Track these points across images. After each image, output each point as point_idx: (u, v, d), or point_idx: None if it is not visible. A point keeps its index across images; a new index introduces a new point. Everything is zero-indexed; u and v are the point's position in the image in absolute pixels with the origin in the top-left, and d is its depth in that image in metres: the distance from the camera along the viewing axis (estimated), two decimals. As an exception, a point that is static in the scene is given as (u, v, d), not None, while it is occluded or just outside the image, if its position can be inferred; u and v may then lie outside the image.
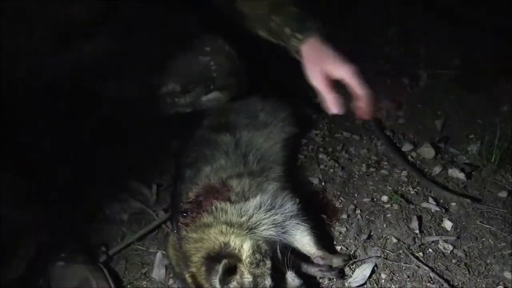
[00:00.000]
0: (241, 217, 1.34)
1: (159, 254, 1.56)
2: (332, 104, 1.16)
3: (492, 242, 1.55)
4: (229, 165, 1.52)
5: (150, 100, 1.51)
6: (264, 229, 1.35)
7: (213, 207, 1.36)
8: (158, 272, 1.52)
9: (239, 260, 1.25)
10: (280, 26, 1.24)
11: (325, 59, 1.14)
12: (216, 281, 1.22)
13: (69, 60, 1.35)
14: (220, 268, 1.21)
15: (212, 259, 1.26)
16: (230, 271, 1.24)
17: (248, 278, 1.24)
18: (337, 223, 1.63)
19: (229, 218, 1.33)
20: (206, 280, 1.27)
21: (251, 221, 1.34)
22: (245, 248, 1.27)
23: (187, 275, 1.33)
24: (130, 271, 1.54)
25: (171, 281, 1.50)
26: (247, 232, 1.32)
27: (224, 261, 1.22)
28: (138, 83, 1.42)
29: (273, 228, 1.36)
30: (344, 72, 1.12)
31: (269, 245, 1.33)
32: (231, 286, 1.24)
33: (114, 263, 1.56)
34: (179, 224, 1.38)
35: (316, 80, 1.16)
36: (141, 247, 1.60)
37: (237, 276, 1.25)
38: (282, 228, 1.39)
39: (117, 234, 1.64)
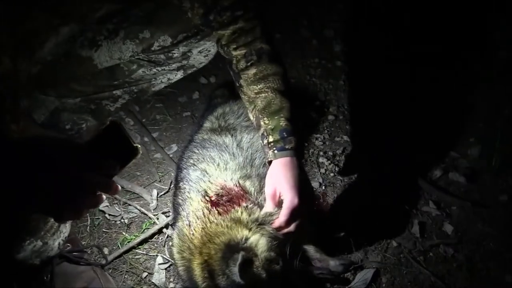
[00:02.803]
0: (266, 218, 1.37)
1: (159, 259, 1.56)
2: (268, 208, 1.39)
3: (493, 246, 1.55)
4: (237, 165, 1.53)
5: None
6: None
7: (250, 206, 1.40)
8: (158, 277, 1.52)
9: (255, 255, 1.29)
10: (266, 130, 1.41)
11: (282, 181, 1.36)
12: (234, 269, 1.25)
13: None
14: (239, 257, 1.24)
15: (231, 248, 1.29)
16: (247, 263, 1.27)
17: (262, 273, 1.27)
18: (337, 227, 1.62)
19: (262, 219, 1.37)
20: (220, 268, 1.29)
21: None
22: (262, 245, 1.31)
23: (196, 263, 1.34)
24: (130, 275, 1.53)
25: (171, 285, 1.50)
26: (268, 232, 1.35)
27: (242, 252, 1.26)
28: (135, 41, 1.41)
29: (290, 235, 1.38)
30: (285, 201, 1.34)
31: (281, 247, 1.35)
32: (250, 276, 1.27)
33: (114, 267, 1.55)
34: (210, 211, 1.40)
35: (268, 189, 1.39)
36: (141, 252, 1.60)
37: (253, 269, 1.28)
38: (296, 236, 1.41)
39: (118, 238, 1.64)
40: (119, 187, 0.88)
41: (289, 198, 1.34)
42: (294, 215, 1.34)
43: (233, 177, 1.48)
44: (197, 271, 1.33)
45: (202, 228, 1.37)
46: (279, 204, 1.38)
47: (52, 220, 1.32)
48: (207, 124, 1.73)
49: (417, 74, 2.24)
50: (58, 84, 1.35)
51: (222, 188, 1.44)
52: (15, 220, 1.23)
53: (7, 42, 1.10)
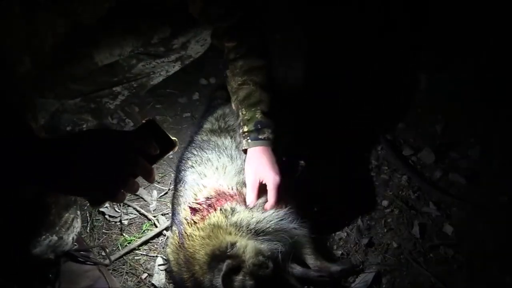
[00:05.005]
0: (251, 221, 1.36)
1: (159, 260, 1.56)
2: (248, 199, 1.42)
3: (493, 247, 1.54)
4: (235, 170, 1.52)
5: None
6: (270, 234, 1.36)
7: (226, 207, 1.38)
8: (158, 278, 1.51)
9: (243, 261, 1.26)
10: (243, 120, 1.49)
11: (259, 166, 1.42)
12: (218, 280, 1.23)
13: None
14: (224, 267, 1.22)
15: (217, 257, 1.27)
16: (234, 271, 1.25)
17: (249, 280, 1.25)
18: (337, 228, 1.62)
19: (239, 220, 1.35)
20: (208, 279, 1.27)
21: (259, 225, 1.36)
22: (249, 250, 1.28)
23: (186, 276, 1.33)
24: (130, 276, 1.53)
25: (171, 286, 1.50)
26: (254, 235, 1.34)
27: (227, 261, 1.23)
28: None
29: (279, 234, 1.38)
30: (268, 182, 1.40)
31: (272, 249, 1.33)
32: (234, 286, 1.25)
33: (114, 268, 1.55)
34: (187, 221, 1.39)
35: (248, 178, 1.44)
36: (141, 253, 1.60)
37: (240, 277, 1.25)
38: (285, 234, 1.40)
39: (117, 239, 1.64)
40: (156, 178, 0.90)
41: (271, 179, 1.40)
42: (280, 192, 1.39)
43: (231, 182, 1.47)
44: (189, 284, 1.32)
45: (182, 243, 1.35)
46: (260, 190, 1.42)
47: (67, 215, 1.34)
48: (207, 125, 1.73)
49: (416, 75, 2.24)
50: (57, 85, 1.35)
51: (215, 192, 1.43)
52: (33, 216, 1.24)
53: (26, 42, 1.11)
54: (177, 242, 1.39)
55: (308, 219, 1.47)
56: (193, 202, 1.42)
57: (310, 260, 1.44)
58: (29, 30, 1.13)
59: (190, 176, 1.52)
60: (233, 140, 1.63)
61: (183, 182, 1.53)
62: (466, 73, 2.21)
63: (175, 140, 0.93)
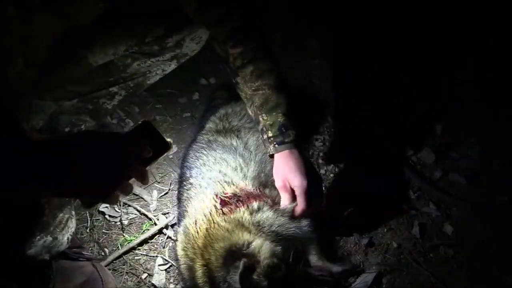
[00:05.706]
0: (274, 222, 1.38)
1: (159, 260, 1.56)
2: (284, 201, 1.44)
3: (493, 247, 1.54)
4: (252, 171, 1.54)
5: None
6: (286, 239, 1.38)
7: (254, 205, 1.40)
8: (158, 278, 1.52)
9: (257, 261, 1.27)
10: (265, 126, 1.49)
11: (287, 170, 1.43)
12: (235, 278, 1.24)
13: None
14: (241, 265, 1.23)
15: (232, 254, 1.29)
16: (249, 270, 1.26)
17: (263, 281, 1.26)
18: (337, 228, 1.62)
19: (263, 220, 1.37)
20: (221, 275, 1.28)
21: (280, 229, 1.38)
22: (264, 251, 1.29)
23: (198, 263, 1.33)
24: (130, 276, 1.53)
25: (171, 286, 1.50)
26: (272, 237, 1.35)
27: (243, 259, 1.25)
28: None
29: (295, 242, 1.40)
30: (295, 187, 1.42)
31: (286, 252, 1.34)
32: (250, 285, 1.26)
33: (114, 268, 1.55)
34: (216, 209, 1.41)
35: (277, 183, 1.45)
36: (141, 253, 1.60)
37: (254, 277, 1.26)
38: (300, 242, 1.42)
39: (117, 239, 1.64)
40: (156, 178, 0.90)
41: (298, 183, 1.40)
42: (308, 197, 1.40)
43: (254, 183, 1.49)
44: (199, 273, 1.33)
45: (206, 229, 1.36)
46: (292, 193, 1.43)
47: (61, 215, 1.34)
48: (211, 125, 1.73)
49: (416, 75, 2.24)
50: (54, 87, 1.35)
51: (241, 190, 1.45)
52: (27, 217, 1.24)
53: (19, 43, 1.10)
54: (195, 230, 1.39)
55: (315, 221, 1.47)
56: (222, 195, 1.44)
57: (313, 259, 1.46)
58: (29, 30, 1.13)
59: (210, 173, 1.53)
60: (240, 141, 1.63)
61: (202, 177, 1.53)
62: (466, 73, 2.21)
63: (170, 142, 0.93)
